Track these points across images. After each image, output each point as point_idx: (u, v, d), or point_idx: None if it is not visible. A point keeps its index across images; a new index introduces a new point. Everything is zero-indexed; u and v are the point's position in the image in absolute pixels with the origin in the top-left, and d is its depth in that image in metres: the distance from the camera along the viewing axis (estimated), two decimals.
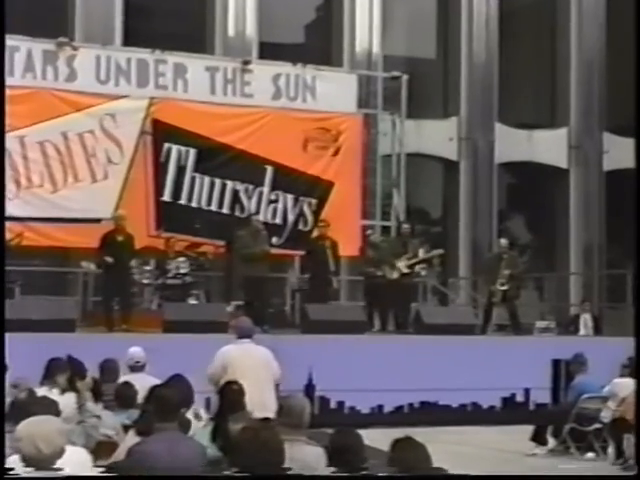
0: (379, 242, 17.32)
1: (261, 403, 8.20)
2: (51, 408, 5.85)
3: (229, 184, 17.59)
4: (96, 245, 14.89)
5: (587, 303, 19.91)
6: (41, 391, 7.85)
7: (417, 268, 16.44)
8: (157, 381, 7.67)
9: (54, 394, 7.67)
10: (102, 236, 14.77)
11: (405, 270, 15.98)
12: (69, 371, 8.27)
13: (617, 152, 23.44)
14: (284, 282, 18.34)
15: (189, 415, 7.13)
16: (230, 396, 6.83)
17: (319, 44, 22.13)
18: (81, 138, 16.59)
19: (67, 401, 7.50)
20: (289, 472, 4.82)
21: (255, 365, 9.15)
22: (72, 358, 8.62)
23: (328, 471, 5.23)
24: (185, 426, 5.80)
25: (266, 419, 5.64)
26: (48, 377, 8.44)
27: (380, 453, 5.91)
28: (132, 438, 6.01)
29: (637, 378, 10.78)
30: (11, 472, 4.54)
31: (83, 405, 7.42)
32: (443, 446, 5.31)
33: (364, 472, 5.20)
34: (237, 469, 4.64)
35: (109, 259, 14.40)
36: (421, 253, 16.40)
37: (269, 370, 9.29)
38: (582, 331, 18.53)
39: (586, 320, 18.88)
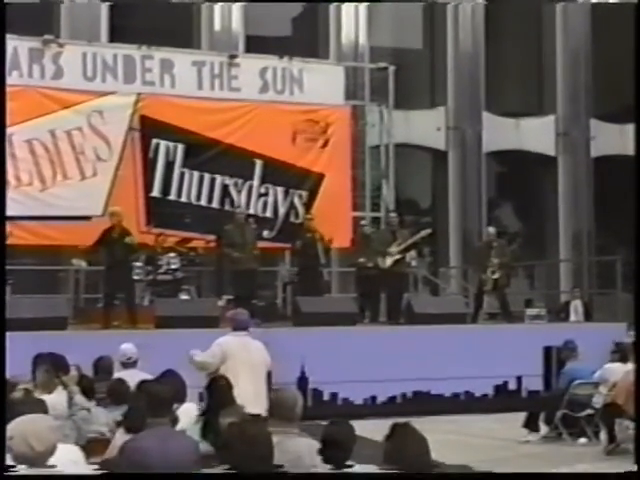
0: (370, 233, 17.35)
1: (256, 397, 8.23)
2: (38, 406, 5.85)
3: (218, 178, 17.60)
4: (86, 242, 14.83)
5: (577, 290, 20.00)
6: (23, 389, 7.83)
7: (408, 257, 16.46)
8: (149, 377, 7.69)
9: (38, 392, 7.66)
10: (101, 233, 14.54)
11: (397, 256, 16.00)
12: (52, 366, 8.22)
13: (604, 138, 23.54)
14: (275, 275, 18.37)
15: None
16: (219, 391, 6.85)
17: (305, 37, 22.12)
18: (69, 136, 16.57)
19: (57, 399, 7.50)
20: (281, 467, 4.84)
21: (252, 358, 9.20)
22: (53, 353, 8.61)
23: (320, 463, 5.26)
24: (175, 422, 5.82)
25: (255, 415, 5.66)
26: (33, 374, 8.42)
27: (374, 444, 5.94)
28: (122, 435, 6.03)
29: (637, 368, 10.81)
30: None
31: (72, 399, 7.42)
32: (437, 435, 5.34)
33: (360, 465, 5.23)
34: (227, 465, 4.66)
35: (82, 262, 14.44)
36: (411, 240, 16.42)
37: (265, 364, 9.35)
38: (572, 317, 18.61)
39: (576, 306, 18.97)
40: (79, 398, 7.53)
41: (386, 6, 22.58)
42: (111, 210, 15.13)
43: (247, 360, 9.12)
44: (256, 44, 20.27)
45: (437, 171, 23.30)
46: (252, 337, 9.76)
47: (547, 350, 14.84)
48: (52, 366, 8.16)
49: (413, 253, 16.75)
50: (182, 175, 17.38)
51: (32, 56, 16.47)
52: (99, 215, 16.00)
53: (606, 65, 23.32)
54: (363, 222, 18.13)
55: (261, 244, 16.12)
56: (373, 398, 14.20)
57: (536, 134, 23.41)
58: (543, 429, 12.02)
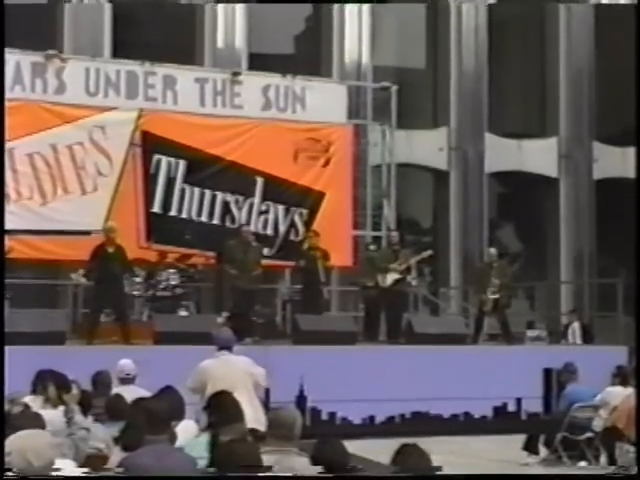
0: (372, 252, 17.33)
1: None
2: (35, 421, 5.79)
3: (219, 195, 17.58)
4: (86, 257, 14.79)
5: (574, 312, 19.95)
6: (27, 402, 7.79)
7: (409, 277, 16.43)
8: (148, 393, 7.63)
9: (37, 407, 7.61)
10: (93, 249, 14.59)
11: (397, 275, 15.97)
12: (53, 384, 8.17)
13: (607, 161, 23.54)
14: (275, 293, 18.32)
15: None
16: (227, 408, 6.69)
17: (308, 55, 22.16)
18: (70, 150, 16.56)
19: (56, 414, 7.44)
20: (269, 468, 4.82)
21: (233, 376, 9.07)
22: (55, 372, 8.56)
23: None
24: (173, 439, 5.75)
25: (253, 431, 5.60)
26: (34, 390, 8.38)
27: (372, 463, 5.90)
28: (119, 453, 5.98)
29: (637, 385, 10.76)
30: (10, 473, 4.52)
31: (72, 418, 7.37)
32: (435, 456, 5.30)
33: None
34: None
35: (80, 277, 14.53)
36: (412, 261, 16.41)
37: (249, 380, 9.19)
38: (570, 340, 18.53)
39: (574, 329, 18.90)
40: (79, 418, 7.47)
41: (389, 25, 22.62)
42: (107, 225, 15.08)
43: (228, 380, 8.99)
44: (259, 62, 20.29)
45: (438, 191, 23.29)
46: (248, 354, 9.65)
47: (547, 372, 14.78)
48: (56, 385, 8.12)
49: (413, 273, 16.72)
50: (183, 191, 17.36)
51: (35, 70, 16.47)
52: (99, 230, 15.95)
53: (609, 88, 23.34)
54: (371, 246, 18.04)
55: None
56: (372, 418, 14.14)
57: (538, 155, 23.40)
58: (543, 452, 11.95)
